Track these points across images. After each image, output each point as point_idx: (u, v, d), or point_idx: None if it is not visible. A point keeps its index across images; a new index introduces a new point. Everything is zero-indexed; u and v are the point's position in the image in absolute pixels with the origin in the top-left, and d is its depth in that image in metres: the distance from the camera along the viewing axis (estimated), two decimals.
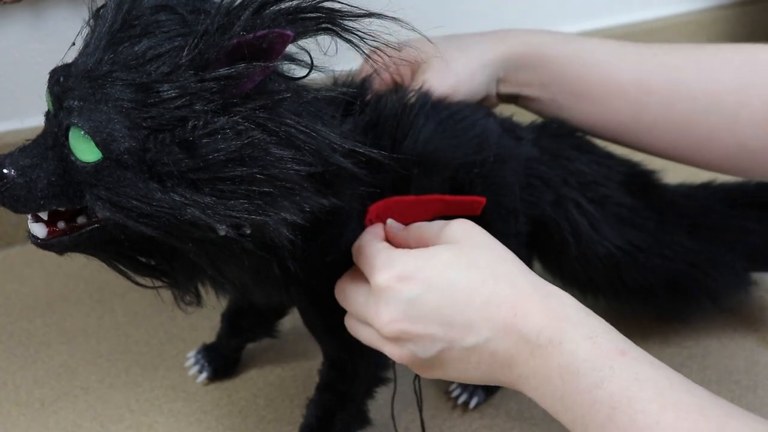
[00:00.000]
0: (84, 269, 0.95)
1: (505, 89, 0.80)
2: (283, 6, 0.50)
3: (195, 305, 0.62)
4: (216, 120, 0.50)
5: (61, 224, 0.55)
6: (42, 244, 0.56)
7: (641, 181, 0.81)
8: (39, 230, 0.56)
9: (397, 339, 0.55)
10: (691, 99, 0.72)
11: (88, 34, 0.55)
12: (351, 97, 0.61)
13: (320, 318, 0.67)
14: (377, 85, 0.73)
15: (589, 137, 0.79)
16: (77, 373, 0.83)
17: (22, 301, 0.92)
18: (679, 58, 0.74)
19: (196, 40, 0.50)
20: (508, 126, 0.74)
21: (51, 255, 0.95)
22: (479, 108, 0.73)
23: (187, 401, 0.80)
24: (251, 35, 0.49)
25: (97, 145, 0.51)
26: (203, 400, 0.80)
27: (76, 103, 0.52)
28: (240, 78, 0.50)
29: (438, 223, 0.58)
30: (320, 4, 0.51)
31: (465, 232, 0.57)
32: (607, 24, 1.19)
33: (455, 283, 0.54)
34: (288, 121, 0.51)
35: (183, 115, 0.50)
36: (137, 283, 0.59)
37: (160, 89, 0.51)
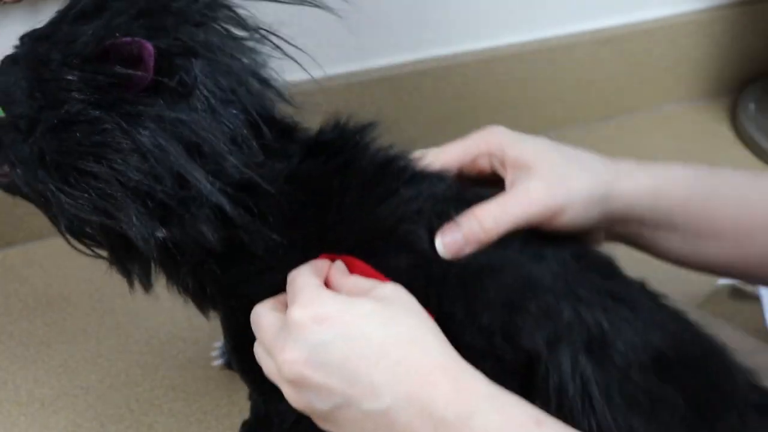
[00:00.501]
0: (84, 269, 0.95)
1: (623, 229, 0.66)
2: (154, 19, 0.53)
3: (145, 290, 0.64)
4: (90, 112, 0.53)
5: (5, 167, 0.59)
6: None
7: (692, 353, 0.59)
8: None
9: (294, 382, 0.52)
10: None
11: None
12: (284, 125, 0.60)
13: (234, 350, 0.65)
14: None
15: (638, 285, 0.61)
16: (77, 372, 0.84)
17: (22, 301, 0.92)
18: None
19: (91, 33, 0.53)
20: (532, 237, 0.60)
21: (51, 255, 0.96)
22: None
23: (187, 401, 0.80)
24: (117, 41, 0.52)
25: None
26: (203, 400, 0.80)
27: (6, 59, 0.57)
28: (115, 79, 0.52)
29: (374, 281, 0.55)
30: (181, 35, 0.53)
31: (395, 293, 0.54)
32: (607, 24, 1.19)
33: (369, 337, 0.51)
34: (143, 132, 0.52)
35: (62, 98, 0.53)
36: (74, 247, 0.62)
37: (51, 68, 0.54)
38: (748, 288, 0.90)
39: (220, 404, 0.80)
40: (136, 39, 0.51)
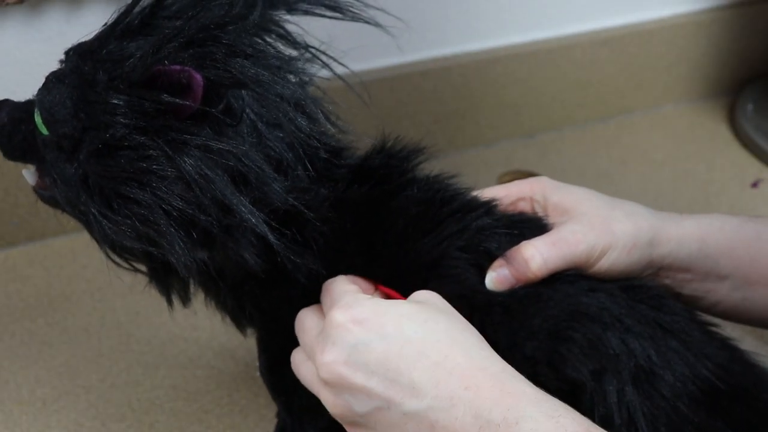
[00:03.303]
0: (86, 269, 0.96)
1: (671, 280, 0.65)
2: (204, 49, 0.51)
3: (184, 305, 0.64)
4: (135, 138, 0.52)
5: (46, 180, 0.60)
6: (33, 189, 0.62)
7: (742, 384, 0.58)
8: (29, 177, 0.61)
9: (333, 384, 0.52)
10: None
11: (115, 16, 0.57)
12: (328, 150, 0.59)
13: (268, 370, 0.65)
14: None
15: (687, 315, 0.60)
16: (79, 372, 0.84)
17: (24, 300, 0.92)
18: None
19: (139, 57, 0.52)
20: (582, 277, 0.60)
21: (52, 255, 0.96)
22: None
23: (188, 400, 0.81)
24: (166, 68, 0.51)
25: (43, 120, 0.56)
26: (204, 400, 0.81)
27: (52, 77, 0.57)
28: (162, 106, 0.51)
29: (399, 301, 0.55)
30: (234, 67, 0.52)
31: (430, 296, 0.54)
32: (606, 25, 1.20)
33: (409, 336, 0.51)
34: (188, 160, 0.52)
35: (106, 121, 0.52)
36: (114, 262, 0.61)
37: (97, 89, 0.54)
38: None
39: (221, 404, 0.80)
40: (186, 68, 0.50)
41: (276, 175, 0.55)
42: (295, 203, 0.55)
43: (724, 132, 1.22)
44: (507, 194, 0.64)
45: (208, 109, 0.52)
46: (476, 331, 0.53)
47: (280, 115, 0.56)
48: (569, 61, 1.18)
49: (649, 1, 1.22)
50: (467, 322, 0.54)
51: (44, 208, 0.95)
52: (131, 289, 0.91)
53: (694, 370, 0.56)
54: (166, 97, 0.51)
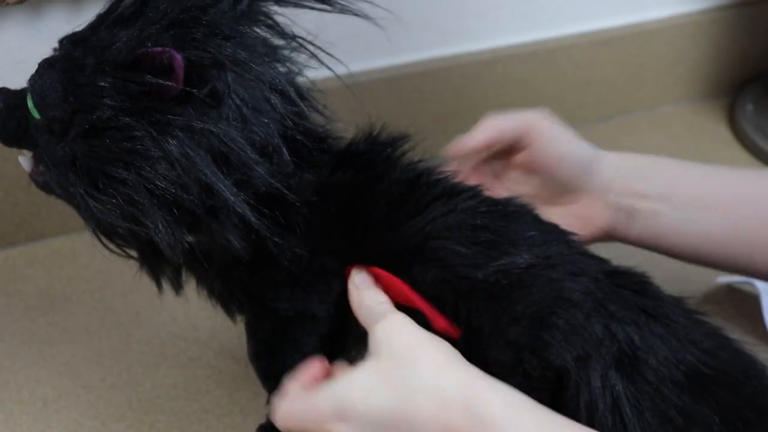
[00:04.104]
0: (86, 269, 0.96)
1: (617, 199, 0.72)
2: (184, 30, 0.53)
3: (175, 292, 0.65)
4: (120, 119, 0.53)
5: (41, 167, 0.61)
6: (29, 176, 0.63)
7: (729, 371, 0.57)
8: (25, 163, 0.62)
9: None
10: None
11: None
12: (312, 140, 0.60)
13: (256, 356, 0.66)
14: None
15: (673, 301, 0.61)
16: (79, 372, 0.84)
17: (24, 300, 0.92)
18: None
19: (124, 41, 0.54)
20: (562, 254, 0.60)
21: (52, 255, 0.96)
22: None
23: (188, 400, 0.81)
24: (148, 50, 0.52)
25: (34, 104, 0.57)
26: (204, 399, 0.81)
27: (44, 63, 0.58)
28: (146, 87, 0.52)
29: (375, 314, 0.56)
30: (213, 48, 0.53)
31: (386, 341, 0.55)
32: (606, 25, 1.20)
33: (381, 411, 0.52)
34: (172, 140, 0.53)
35: (94, 103, 0.54)
36: (106, 247, 0.62)
37: (86, 73, 0.55)
38: (747, 287, 0.91)
39: (221, 403, 0.80)
40: (167, 49, 0.51)
41: (259, 158, 0.55)
42: (278, 186, 0.56)
43: (723, 132, 1.22)
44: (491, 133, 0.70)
45: (190, 90, 0.53)
46: (434, 356, 0.53)
47: (260, 97, 0.56)
48: (569, 61, 1.18)
49: (649, 1, 1.22)
50: (426, 347, 0.54)
51: (44, 208, 0.96)
52: (131, 289, 0.91)
53: (679, 355, 0.56)
54: (149, 78, 0.52)
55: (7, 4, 0.86)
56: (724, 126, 1.23)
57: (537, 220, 0.62)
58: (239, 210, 0.54)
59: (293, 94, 0.59)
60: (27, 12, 0.89)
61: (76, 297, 0.93)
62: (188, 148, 0.53)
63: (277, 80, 0.58)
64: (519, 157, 0.73)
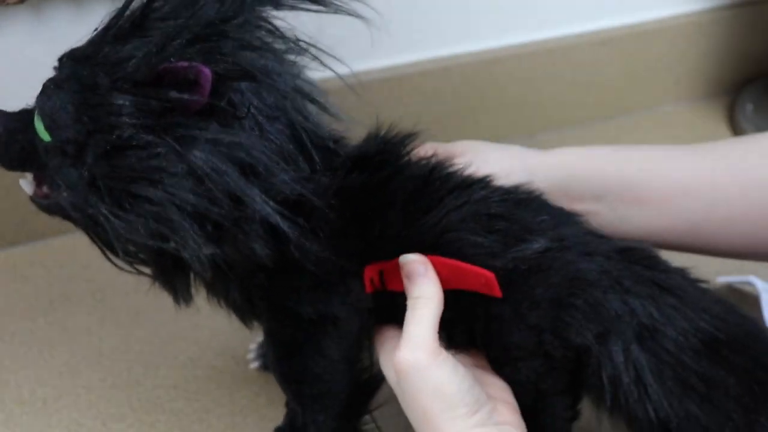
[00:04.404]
0: (86, 269, 0.96)
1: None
2: (212, 44, 0.52)
3: (186, 304, 0.64)
4: (142, 137, 0.52)
5: (44, 188, 0.60)
6: (31, 199, 0.62)
7: (739, 335, 0.59)
8: (27, 186, 0.62)
9: None
10: (763, 187, 0.68)
11: (106, 21, 0.58)
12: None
13: (278, 361, 0.66)
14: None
15: (680, 272, 0.63)
16: (79, 372, 0.84)
17: (25, 300, 0.92)
18: (738, 148, 0.71)
19: (140, 57, 0.53)
20: (577, 236, 0.61)
21: (53, 255, 0.96)
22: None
23: (188, 400, 0.81)
24: (173, 65, 0.51)
25: (45, 127, 0.56)
26: (205, 399, 0.81)
27: (50, 83, 0.57)
28: (169, 103, 0.52)
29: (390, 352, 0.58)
30: (240, 65, 0.53)
31: (403, 370, 0.56)
32: (606, 25, 1.20)
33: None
34: (198, 155, 0.52)
35: (112, 123, 0.53)
36: (117, 266, 0.62)
37: (99, 92, 0.54)
38: (747, 287, 0.91)
39: (221, 403, 0.80)
40: (193, 64, 0.51)
41: (284, 165, 0.56)
42: (304, 191, 0.56)
43: (724, 132, 1.22)
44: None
45: (216, 103, 0.52)
46: (433, 397, 0.55)
47: (287, 105, 0.57)
48: (569, 61, 1.18)
49: (649, 1, 1.22)
50: (425, 388, 0.55)
51: None
52: (131, 289, 0.91)
53: (694, 324, 0.58)
54: (174, 94, 0.51)
55: (8, 4, 0.86)
56: (724, 126, 1.23)
57: (546, 204, 0.63)
58: (270, 219, 0.54)
59: (312, 98, 0.60)
60: (28, 12, 0.89)
61: (76, 297, 0.93)
62: (217, 161, 0.52)
63: (288, 85, 0.58)
64: None
